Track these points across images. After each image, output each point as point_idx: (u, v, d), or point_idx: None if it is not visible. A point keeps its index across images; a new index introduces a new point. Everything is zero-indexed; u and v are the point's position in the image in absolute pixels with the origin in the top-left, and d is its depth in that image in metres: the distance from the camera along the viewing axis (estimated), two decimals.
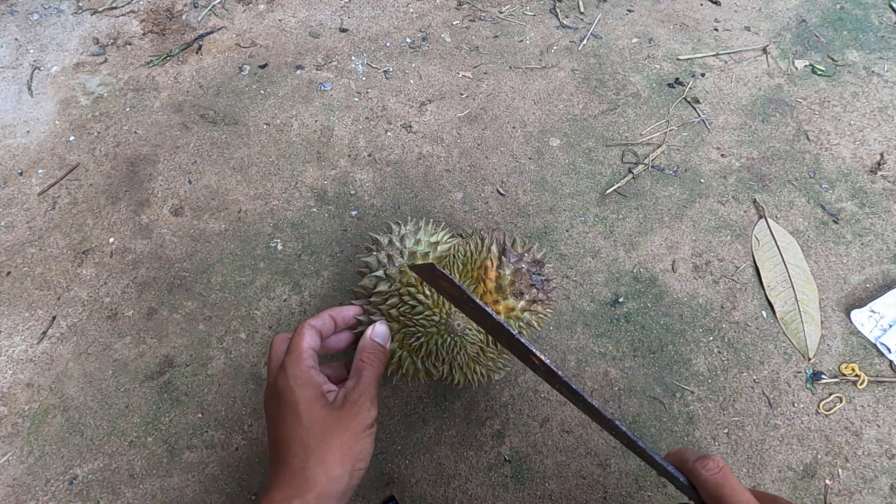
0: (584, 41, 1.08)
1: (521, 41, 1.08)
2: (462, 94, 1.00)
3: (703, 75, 1.03)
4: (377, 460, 0.69)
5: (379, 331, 0.54)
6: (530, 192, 0.89)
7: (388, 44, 1.07)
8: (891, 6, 1.15)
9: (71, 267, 0.81)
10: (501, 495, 0.67)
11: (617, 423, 0.43)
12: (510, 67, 1.04)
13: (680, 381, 0.74)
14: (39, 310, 0.78)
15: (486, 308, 0.45)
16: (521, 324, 0.58)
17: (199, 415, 0.71)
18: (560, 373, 0.43)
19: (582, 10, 1.13)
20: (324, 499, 0.41)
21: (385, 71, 1.03)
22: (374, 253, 0.62)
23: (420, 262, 0.58)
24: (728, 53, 1.07)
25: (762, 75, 1.04)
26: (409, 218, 0.66)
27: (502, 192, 0.89)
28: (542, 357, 0.44)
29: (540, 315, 0.60)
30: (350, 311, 0.57)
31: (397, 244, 0.60)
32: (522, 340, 0.44)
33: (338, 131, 0.95)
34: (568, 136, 0.95)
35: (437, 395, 0.73)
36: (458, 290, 0.46)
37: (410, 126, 0.96)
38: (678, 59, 1.05)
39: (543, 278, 0.59)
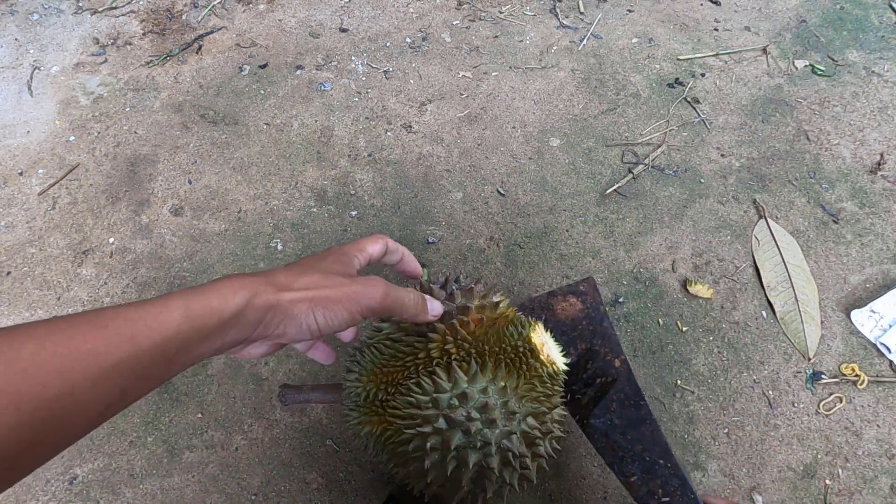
0: (584, 41, 1.08)
1: (521, 41, 1.08)
2: (462, 94, 1.00)
3: (703, 75, 1.03)
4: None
5: (434, 307, 0.50)
6: (530, 192, 0.89)
7: (388, 44, 1.07)
8: (891, 6, 1.15)
9: (71, 267, 0.81)
10: None
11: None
12: (510, 67, 1.04)
13: (680, 381, 0.74)
14: (39, 310, 0.78)
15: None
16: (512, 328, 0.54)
17: (199, 415, 0.71)
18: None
19: (582, 10, 1.13)
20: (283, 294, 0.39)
21: (385, 71, 1.03)
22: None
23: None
24: (728, 53, 1.07)
25: (762, 75, 1.04)
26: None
27: (502, 192, 0.89)
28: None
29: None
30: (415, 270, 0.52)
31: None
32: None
33: (338, 131, 0.95)
34: (568, 136, 0.95)
35: None
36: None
37: (410, 126, 0.96)
38: (678, 59, 1.05)
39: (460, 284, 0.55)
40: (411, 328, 0.52)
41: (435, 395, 0.47)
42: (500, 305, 0.54)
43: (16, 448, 0.28)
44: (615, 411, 0.55)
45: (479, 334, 0.51)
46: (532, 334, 0.51)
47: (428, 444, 0.47)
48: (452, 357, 0.50)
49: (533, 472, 0.51)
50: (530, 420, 0.48)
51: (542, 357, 0.51)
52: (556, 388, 0.53)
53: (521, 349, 0.50)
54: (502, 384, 0.48)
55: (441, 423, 0.46)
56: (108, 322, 0.32)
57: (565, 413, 0.54)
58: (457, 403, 0.46)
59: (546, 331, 0.54)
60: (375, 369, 0.52)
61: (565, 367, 0.54)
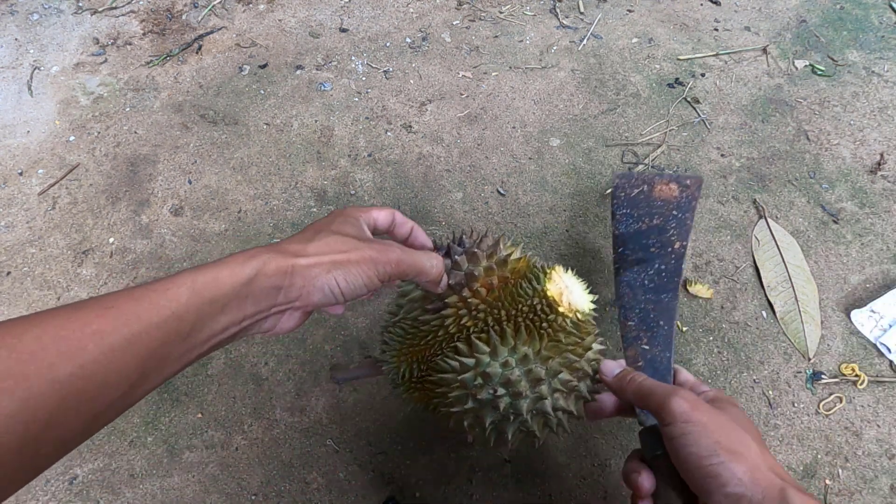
0: (584, 41, 1.08)
1: (521, 41, 1.08)
2: (462, 94, 1.00)
3: (703, 75, 1.03)
4: (377, 461, 0.69)
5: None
6: (530, 192, 0.89)
7: (388, 44, 1.07)
8: (891, 6, 1.15)
9: (71, 267, 0.81)
10: (501, 495, 0.67)
11: None
12: (510, 67, 1.04)
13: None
14: (40, 310, 0.78)
15: None
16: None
17: (199, 415, 0.71)
18: None
19: (582, 10, 1.13)
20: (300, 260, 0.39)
21: (385, 71, 1.03)
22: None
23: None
24: (728, 53, 1.07)
25: (762, 75, 1.04)
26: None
27: (502, 192, 0.89)
28: None
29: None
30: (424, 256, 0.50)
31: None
32: None
33: (338, 131, 0.95)
34: (568, 136, 0.95)
35: None
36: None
37: (410, 126, 0.96)
38: (678, 59, 1.05)
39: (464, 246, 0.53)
40: (424, 306, 0.51)
41: (460, 376, 0.47)
42: (510, 259, 0.51)
43: (29, 431, 0.28)
44: (650, 275, 0.61)
45: (493, 299, 0.49)
46: (548, 286, 0.48)
47: (465, 423, 0.48)
48: (471, 330, 0.49)
49: (580, 409, 0.51)
50: (563, 376, 0.47)
51: (561, 309, 0.48)
52: (584, 331, 0.50)
53: (539, 307, 0.48)
54: (524, 351, 0.47)
55: (471, 403, 0.47)
56: (112, 303, 0.32)
57: (602, 347, 0.53)
58: (481, 383, 0.46)
59: (567, 270, 0.51)
60: (403, 349, 0.53)
61: (592, 308, 0.51)
